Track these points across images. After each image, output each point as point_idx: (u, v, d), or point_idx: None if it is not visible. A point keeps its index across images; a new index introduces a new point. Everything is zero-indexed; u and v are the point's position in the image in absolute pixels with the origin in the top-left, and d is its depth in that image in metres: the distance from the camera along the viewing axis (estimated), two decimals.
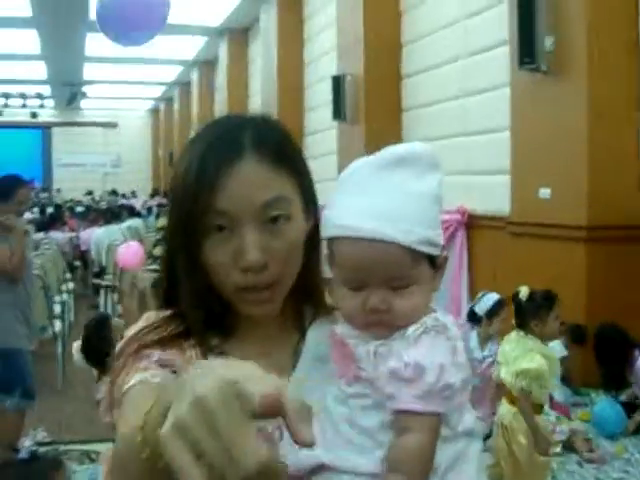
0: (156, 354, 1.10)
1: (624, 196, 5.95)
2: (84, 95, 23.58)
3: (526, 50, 6.07)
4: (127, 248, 7.87)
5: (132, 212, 14.77)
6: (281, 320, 1.19)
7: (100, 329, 3.89)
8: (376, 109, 10.00)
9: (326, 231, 1.08)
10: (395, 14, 9.97)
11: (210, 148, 1.10)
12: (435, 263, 1.06)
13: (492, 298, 5.03)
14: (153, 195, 23.82)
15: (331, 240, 1.07)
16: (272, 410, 0.72)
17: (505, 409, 3.77)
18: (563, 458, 4.39)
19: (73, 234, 12.45)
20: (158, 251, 8.14)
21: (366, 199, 1.03)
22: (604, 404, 5.12)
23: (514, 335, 3.89)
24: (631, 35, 5.98)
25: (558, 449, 4.47)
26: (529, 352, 3.71)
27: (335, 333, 1.08)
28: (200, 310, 1.14)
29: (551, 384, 3.85)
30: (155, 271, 7.47)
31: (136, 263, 7.49)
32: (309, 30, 13.53)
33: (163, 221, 8.59)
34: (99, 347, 3.72)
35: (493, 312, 4.94)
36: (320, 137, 12.91)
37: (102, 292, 10.15)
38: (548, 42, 5.97)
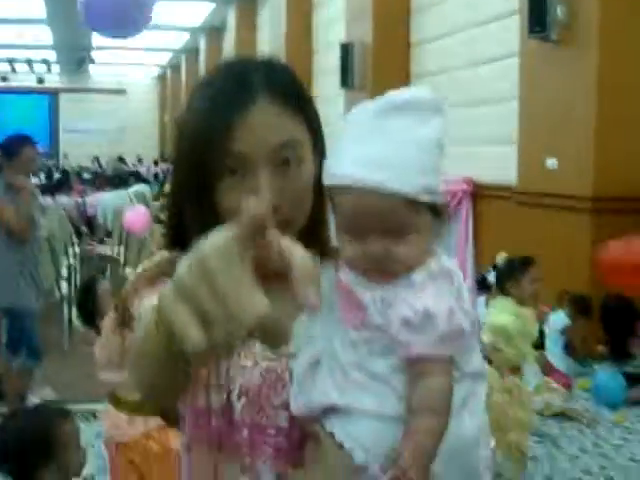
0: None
1: (631, 168, 5.94)
2: (92, 61, 23.50)
3: (537, 19, 6.04)
4: (134, 211, 7.86)
5: (139, 178, 14.78)
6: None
7: (89, 293, 3.96)
8: (384, 77, 9.93)
9: (325, 179, 1.06)
10: None
11: (221, 91, 1.09)
12: (437, 210, 1.05)
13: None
14: (157, 162, 23.76)
15: (330, 189, 1.06)
16: (257, 228, 0.74)
17: None
18: (564, 424, 4.43)
19: (80, 199, 12.44)
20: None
21: (364, 147, 1.01)
22: (605, 374, 5.15)
23: (497, 299, 4.00)
24: None
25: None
26: (501, 312, 3.79)
27: (340, 280, 1.08)
28: None
29: (525, 346, 3.86)
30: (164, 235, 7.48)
31: (143, 226, 7.49)
32: None
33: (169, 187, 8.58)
34: (90, 310, 3.82)
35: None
36: (326, 104, 12.85)
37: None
38: (560, 11, 5.92)
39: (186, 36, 22.27)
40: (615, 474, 4.02)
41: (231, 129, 1.05)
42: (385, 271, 1.02)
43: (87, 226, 12.39)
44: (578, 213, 5.87)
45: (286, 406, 1.09)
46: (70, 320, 6.55)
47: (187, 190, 1.13)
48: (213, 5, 18.29)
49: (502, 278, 4.07)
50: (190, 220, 1.13)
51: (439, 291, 0.99)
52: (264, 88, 1.08)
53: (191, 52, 23.40)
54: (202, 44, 21.49)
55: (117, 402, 3.16)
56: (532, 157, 6.50)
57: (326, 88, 12.78)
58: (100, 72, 27.48)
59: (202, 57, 21.53)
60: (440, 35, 9.04)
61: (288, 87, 1.13)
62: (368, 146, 1.01)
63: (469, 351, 1.03)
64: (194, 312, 0.68)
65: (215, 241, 0.72)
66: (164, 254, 1.20)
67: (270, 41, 14.93)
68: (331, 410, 1.03)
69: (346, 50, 10.29)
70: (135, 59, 26.01)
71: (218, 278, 0.69)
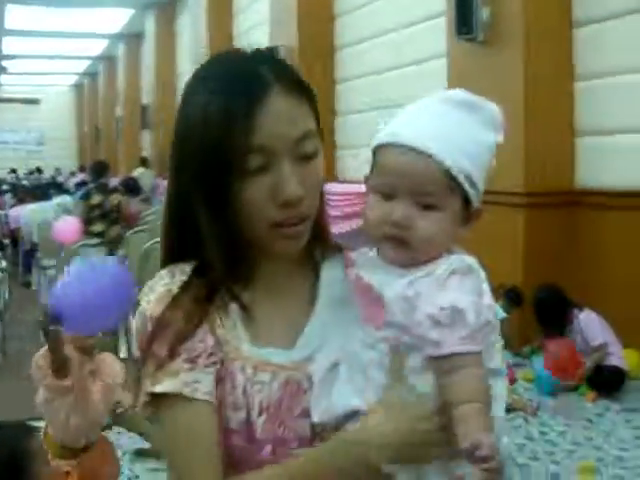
0: (184, 349, 1.05)
1: (560, 163, 6.13)
2: (4, 70, 22.86)
3: (463, 21, 6.18)
4: (64, 222, 7.70)
5: (60, 189, 14.43)
6: (295, 262, 1.16)
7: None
8: (309, 81, 9.95)
9: (376, 140, 1.07)
10: None
11: (231, 85, 1.05)
12: (469, 207, 1.07)
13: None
14: (74, 173, 23.18)
15: (377, 148, 1.08)
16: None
17: None
18: (511, 415, 4.53)
19: (1, 212, 12.10)
20: (98, 227, 8.01)
21: (422, 120, 1.05)
22: (542, 363, 5.29)
23: None
24: (564, 5, 6.13)
25: None
26: None
27: (360, 277, 1.08)
28: (226, 260, 1.10)
29: None
30: (94, 246, 7.36)
31: (74, 237, 7.33)
32: (238, 2, 13.40)
33: (98, 198, 8.41)
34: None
35: None
36: None
37: (35, 270, 9.94)
38: (485, 13, 6.08)
39: (104, 43, 21.89)
40: (561, 458, 4.14)
41: (250, 122, 1.02)
42: (402, 242, 1.03)
43: (10, 239, 12.07)
44: (511, 208, 6.01)
45: (307, 414, 1.07)
46: (4, 335, 6.37)
47: (199, 187, 1.07)
48: (132, 12, 18.03)
49: None
50: (206, 225, 1.08)
51: (462, 286, 1.00)
52: (275, 79, 1.05)
53: (109, 59, 23.02)
54: (120, 51, 21.17)
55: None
56: None
57: None
58: (14, 81, 26.73)
59: (120, 64, 21.23)
60: (366, 38, 9.14)
61: (295, 78, 1.10)
62: (427, 120, 1.05)
63: (490, 348, 1.03)
64: None
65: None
66: (168, 283, 1.11)
67: (191, 47, 14.81)
68: (353, 415, 1.02)
69: None
70: (50, 68, 25.42)
71: None
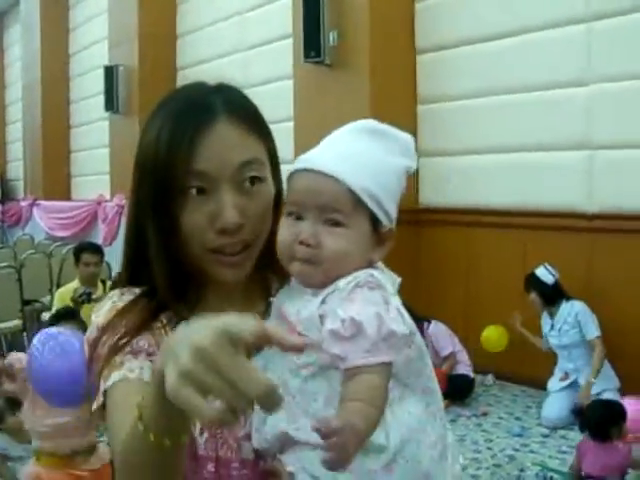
0: (128, 346, 1.08)
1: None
2: None
3: (311, 44, 6.33)
4: None
5: None
6: (247, 289, 1.19)
7: None
8: (151, 101, 9.73)
9: (291, 169, 1.10)
10: (171, 5, 9.93)
11: (182, 112, 1.09)
12: (378, 228, 1.09)
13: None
14: None
15: (291, 175, 1.10)
16: (263, 340, 0.77)
17: None
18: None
19: None
20: None
21: (332, 147, 1.09)
22: None
23: None
24: (408, 32, 6.45)
25: None
26: None
27: (275, 304, 1.09)
28: (171, 281, 1.12)
29: None
30: None
31: None
32: (75, 19, 13.02)
33: None
34: None
35: None
36: (87, 129, 12.51)
37: None
38: (332, 36, 6.27)
39: None
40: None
41: (193, 148, 1.06)
42: (312, 261, 1.04)
43: None
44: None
45: (250, 438, 1.08)
46: None
47: (149, 209, 1.11)
48: None
49: None
50: (154, 248, 1.12)
51: (365, 299, 1.00)
52: (224, 109, 1.10)
53: None
54: None
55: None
56: None
57: (86, 113, 12.42)
58: None
59: None
60: (210, 57, 9.16)
61: (246, 109, 1.14)
62: (336, 147, 1.09)
63: (412, 363, 1.05)
64: (201, 393, 0.73)
65: (208, 333, 0.75)
66: (117, 301, 1.15)
67: (23, 63, 14.20)
68: (288, 441, 1.03)
69: (110, 73, 10.08)
70: None
71: (220, 361, 0.73)
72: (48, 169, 13.10)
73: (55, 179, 13.10)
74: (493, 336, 5.44)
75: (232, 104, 1.12)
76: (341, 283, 1.03)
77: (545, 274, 5.10)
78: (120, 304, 1.13)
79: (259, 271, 1.19)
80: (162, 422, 0.84)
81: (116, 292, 1.17)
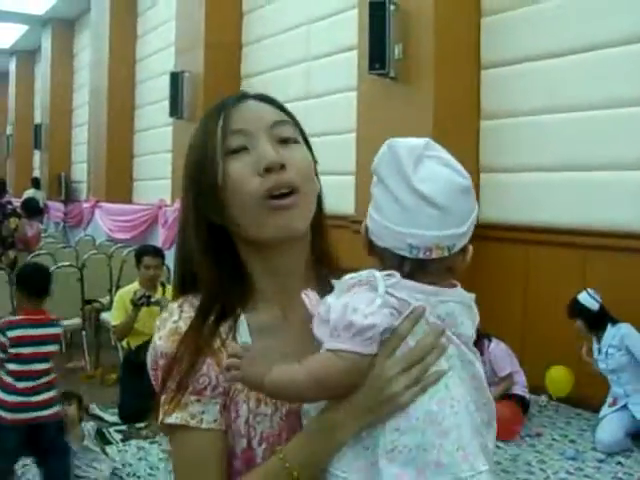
0: (190, 383, 1.12)
1: None
2: None
3: (376, 56, 6.35)
4: None
5: None
6: (302, 280, 1.20)
7: None
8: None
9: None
10: (237, 14, 10.05)
11: (216, 106, 1.21)
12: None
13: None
14: None
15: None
16: None
17: None
18: None
19: None
20: None
21: None
22: None
23: None
24: (473, 46, 6.43)
25: None
26: None
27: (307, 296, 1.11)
28: (222, 279, 1.17)
29: None
30: None
31: None
32: (144, 25, 13.29)
33: None
34: None
35: None
36: (151, 134, 12.73)
37: None
38: (397, 50, 6.28)
39: None
40: None
41: (227, 117, 1.16)
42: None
43: None
44: None
45: None
46: None
47: (194, 208, 1.18)
48: (25, 28, 17.57)
49: None
50: (195, 234, 1.18)
51: (354, 293, 1.04)
52: (254, 96, 1.22)
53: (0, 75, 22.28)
54: (12, 67, 20.51)
55: None
56: (369, 187, 6.77)
57: (151, 118, 12.64)
58: None
59: (12, 80, 20.53)
60: (272, 68, 9.25)
61: (277, 101, 1.24)
62: None
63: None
64: None
65: None
66: (179, 320, 1.18)
67: (91, 68, 14.54)
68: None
69: (176, 79, 10.24)
70: None
71: None
72: (111, 172, 13.36)
73: (118, 182, 13.36)
74: (560, 380, 5.36)
75: (266, 96, 1.24)
76: (344, 278, 1.08)
77: (589, 300, 5.00)
78: (182, 326, 1.15)
79: (314, 270, 1.24)
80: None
81: (176, 307, 1.19)
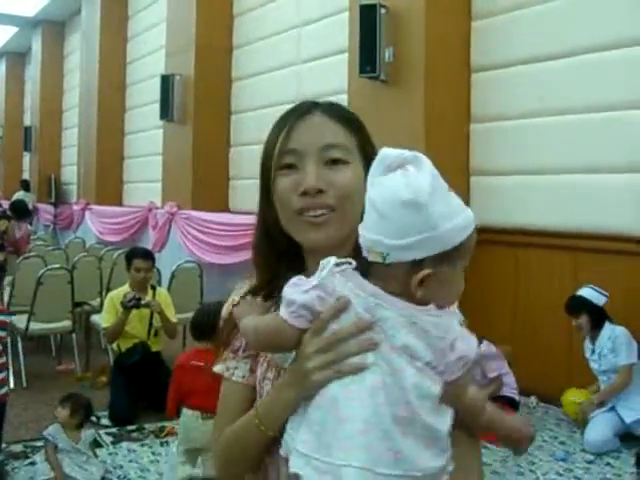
0: (232, 342, 1.37)
1: None
2: None
3: (367, 59, 6.38)
4: None
5: None
6: None
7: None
8: (205, 110, 10.00)
9: None
10: (228, 17, 10.06)
11: (287, 113, 1.33)
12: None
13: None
14: None
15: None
16: None
17: None
18: None
19: None
20: None
21: None
22: None
23: None
24: (463, 50, 6.46)
25: None
26: None
27: None
28: (275, 256, 1.33)
29: None
30: None
31: None
32: (134, 27, 13.28)
33: None
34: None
35: None
36: (142, 137, 12.72)
37: None
38: (388, 53, 6.31)
39: None
40: None
41: (290, 132, 1.28)
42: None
43: None
44: None
45: None
46: None
47: (261, 195, 1.33)
48: (15, 29, 17.53)
49: None
50: (258, 224, 1.36)
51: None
52: (321, 108, 1.31)
53: None
54: (2, 69, 20.45)
55: None
56: None
57: (141, 120, 12.63)
58: None
59: (1, 82, 20.47)
60: (264, 70, 9.26)
61: (347, 113, 1.35)
62: None
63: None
64: None
65: None
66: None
67: (81, 70, 14.52)
68: None
69: (167, 82, 10.23)
70: None
71: None
72: (101, 174, 13.34)
73: (108, 184, 13.34)
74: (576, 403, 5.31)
75: (330, 105, 1.34)
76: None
77: (594, 294, 5.03)
78: (236, 298, 1.38)
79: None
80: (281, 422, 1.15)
81: (242, 284, 1.41)
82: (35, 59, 17.50)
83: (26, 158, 18.36)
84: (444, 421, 1.09)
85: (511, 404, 5.29)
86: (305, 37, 8.47)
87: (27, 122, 17.98)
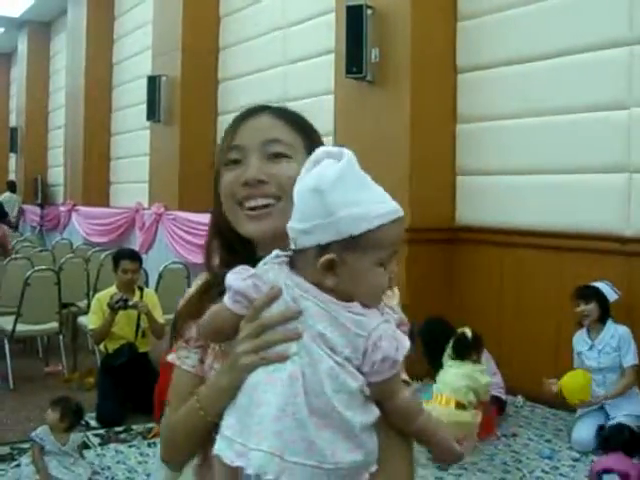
0: (184, 333, 1.40)
1: (440, 201, 6.43)
2: None
3: (353, 60, 6.40)
4: None
5: None
6: None
7: None
8: (192, 111, 10.00)
9: None
10: (214, 18, 10.06)
11: (238, 115, 1.39)
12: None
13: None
14: None
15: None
16: None
17: None
18: None
19: None
20: None
21: None
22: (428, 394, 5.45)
23: None
24: (449, 50, 6.49)
25: None
26: None
27: None
28: (224, 248, 1.39)
29: None
30: None
31: None
32: (121, 28, 13.25)
33: None
34: None
35: None
36: (128, 138, 12.70)
37: None
38: (374, 53, 6.33)
39: None
40: None
41: (236, 130, 1.35)
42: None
43: None
44: None
45: None
46: None
47: (214, 195, 1.39)
48: (1, 30, 17.46)
49: None
50: (212, 221, 1.42)
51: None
52: (270, 109, 1.37)
53: None
54: None
55: None
56: None
57: (127, 121, 12.61)
58: None
59: None
60: (251, 71, 9.26)
61: (295, 115, 1.39)
62: None
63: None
64: None
65: None
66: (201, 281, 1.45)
67: (67, 71, 14.47)
68: None
69: (153, 83, 10.22)
70: None
71: None
72: (88, 175, 13.32)
73: (95, 185, 13.31)
74: (575, 387, 5.12)
75: (279, 108, 1.39)
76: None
77: (608, 290, 5.02)
78: (192, 292, 1.45)
79: None
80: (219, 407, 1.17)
81: (199, 279, 1.47)
82: (21, 60, 17.43)
83: (12, 159, 18.28)
84: (363, 417, 1.09)
85: (498, 403, 5.33)
86: (291, 38, 8.48)
87: (13, 123, 17.92)
